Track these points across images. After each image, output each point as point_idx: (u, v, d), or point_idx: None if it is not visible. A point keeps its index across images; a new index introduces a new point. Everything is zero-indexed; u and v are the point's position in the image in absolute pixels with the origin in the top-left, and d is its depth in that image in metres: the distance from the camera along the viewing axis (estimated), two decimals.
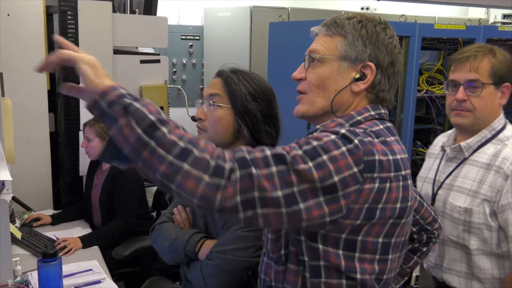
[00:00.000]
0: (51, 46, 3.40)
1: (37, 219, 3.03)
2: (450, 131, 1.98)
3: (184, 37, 5.71)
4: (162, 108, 3.59)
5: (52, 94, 3.47)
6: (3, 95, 3.15)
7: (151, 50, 4.52)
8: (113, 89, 1.03)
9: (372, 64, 1.19)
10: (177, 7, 5.69)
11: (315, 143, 1.04)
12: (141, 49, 4.23)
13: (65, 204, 3.49)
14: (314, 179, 1.00)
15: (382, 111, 1.23)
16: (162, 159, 0.98)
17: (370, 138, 1.09)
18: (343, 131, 1.07)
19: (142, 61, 3.56)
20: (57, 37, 1.09)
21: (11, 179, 1.82)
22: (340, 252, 1.10)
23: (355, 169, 1.03)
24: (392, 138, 1.16)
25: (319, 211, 1.02)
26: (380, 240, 1.11)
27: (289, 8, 5.02)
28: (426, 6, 5.86)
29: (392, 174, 1.08)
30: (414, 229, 1.50)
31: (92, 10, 3.33)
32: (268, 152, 1.02)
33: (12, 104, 3.13)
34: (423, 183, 1.97)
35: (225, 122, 1.58)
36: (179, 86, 4.88)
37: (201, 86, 5.46)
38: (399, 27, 3.34)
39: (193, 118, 1.67)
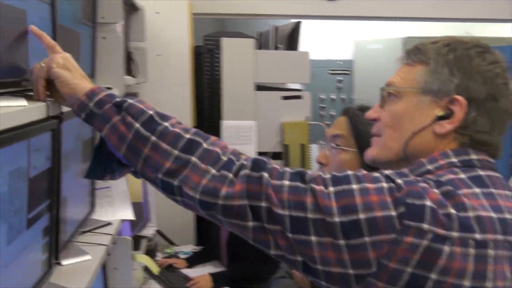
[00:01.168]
0: (198, 84, 3.51)
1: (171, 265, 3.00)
2: None
3: (332, 71, 5.58)
4: (302, 145, 3.45)
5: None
6: None
7: (298, 86, 4.45)
8: (100, 89, 0.98)
9: (461, 98, 0.93)
10: (326, 41, 5.59)
11: (350, 172, 0.89)
12: (289, 85, 4.18)
13: (207, 240, 3.50)
14: (331, 208, 0.82)
15: (473, 157, 0.94)
16: (167, 154, 0.89)
17: (424, 185, 0.84)
18: (387, 172, 0.89)
19: (283, 97, 3.48)
20: (32, 27, 1.00)
21: (134, 218, 1.82)
22: None
23: (393, 212, 0.81)
24: (476, 189, 0.87)
25: (336, 253, 0.81)
26: None
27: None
28: None
29: (455, 234, 0.80)
30: None
31: (235, 48, 3.36)
32: (288, 168, 0.90)
33: None
34: None
35: (350, 169, 1.35)
36: (324, 123, 4.71)
37: None
38: None
39: None
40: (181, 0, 3.29)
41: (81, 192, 1.57)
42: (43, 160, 1.13)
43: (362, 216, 0.82)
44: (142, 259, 2.57)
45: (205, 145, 0.91)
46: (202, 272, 2.88)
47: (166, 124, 0.93)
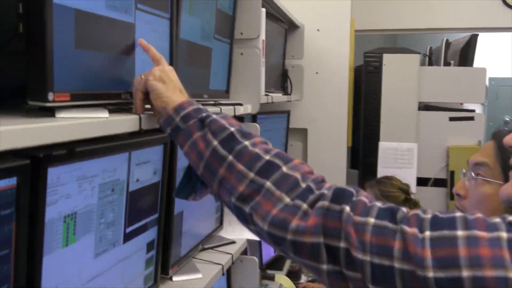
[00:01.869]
0: (356, 103, 3.36)
1: None
2: None
3: None
4: None
5: (354, 151, 3.40)
6: (305, 150, 3.26)
7: (473, 106, 4.00)
8: (190, 103, 0.92)
9: None
10: None
11: (458, 214, 0.69)
12: (466, 105, 3.79)
13: None
14: (423, 259, 0.64)
15: None
16: (242, 176, 0.80)
17: None
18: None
19: (451, 118, 3.15)
20: (140, 41, 1.00)
21: (258, 239, 1.75)
22: None
23: (511, 274, 0.60)
24: None
25: None
26: None
27: None
28: None
29: None
30: None
31: (398, 64, 3.14)
32: (379, 203, 0.74)
33: (312, 157, 3.22)
34: None
35: (492, 205, 1.10)
36: None
37: None
38: None
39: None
40: (344, 16, 3.18)
41: (206, 208, 1.56)
42: (150, 174, 1.13)
43: (465, 273, 0.62)
44: (282, 280, 2.50)
45: (284, 169, 0.80)
46: None
47: (246, 143, 0.84)
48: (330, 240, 0.72)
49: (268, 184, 0.78)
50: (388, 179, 2.62)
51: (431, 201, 3.06)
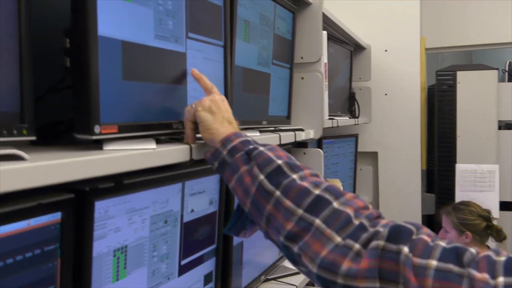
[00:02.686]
0: (430, 123, 3.22)
1: None
2: None
3: None
4: None
5: (430, 174, 3.24)
6: (376, 174, 3.14)
7: None
8: (236, 135, 0.87)
9: None
10: None
11: None
12: None
13: None
14: None
15: None
16: (290, 214, 0.74)
17: None
18: None
19: None
20: (193, 71, 0.98)
21: None
22: None
23: None
24: None
25: None
26: None
27: None
28: None
29: None
30: None
31: (473, 82, 2.98)
32: (443, 242, 0.66)
33: (384, 182, 3.10)
34: None
35: None
36: None
37: None
38: None
39: None
40: (413, 35, 3.07)
41: None
42: (206, 204, 1.10)
43: None
44: None
45: (335, 204, 0.73)
46: None
47: (294, 176, 0.78)
48: (387, 285, 0.64)
49: (318, 222, 0.72)
50: (467, 205, 2.44)
51: None
